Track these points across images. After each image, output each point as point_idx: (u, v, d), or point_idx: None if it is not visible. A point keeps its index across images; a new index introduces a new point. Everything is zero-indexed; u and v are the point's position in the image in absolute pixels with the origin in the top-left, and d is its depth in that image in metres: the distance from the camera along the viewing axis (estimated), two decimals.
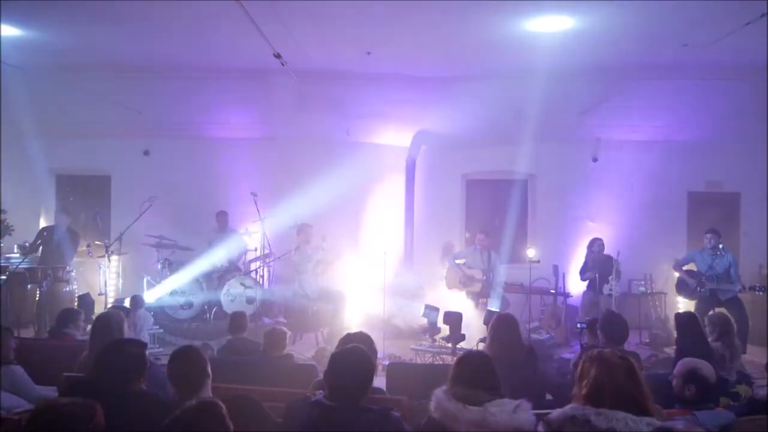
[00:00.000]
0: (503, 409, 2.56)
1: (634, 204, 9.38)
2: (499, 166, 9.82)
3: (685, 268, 7.39)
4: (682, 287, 7.44)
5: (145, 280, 8.82)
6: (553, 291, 8.26)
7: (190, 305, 8.12)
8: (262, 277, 8.80)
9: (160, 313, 8.15)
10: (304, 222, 8.19)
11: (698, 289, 7.13)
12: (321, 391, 2.89)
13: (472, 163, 9.84)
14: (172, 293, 8.14)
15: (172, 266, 8.56)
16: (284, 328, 4.93)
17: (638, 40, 7.36)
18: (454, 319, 5.96)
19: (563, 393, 3.17)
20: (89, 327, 6.68)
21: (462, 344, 5.92)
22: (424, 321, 6.53)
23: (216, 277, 8.29)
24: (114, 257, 8.31)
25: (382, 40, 7.53)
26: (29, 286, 7.56)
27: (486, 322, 5.34)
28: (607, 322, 4.54)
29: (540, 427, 2.51)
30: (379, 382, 3.77)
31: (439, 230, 9.72)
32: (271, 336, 4.76)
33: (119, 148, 9.81)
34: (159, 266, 8.46)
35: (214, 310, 8.13)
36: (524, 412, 2.57)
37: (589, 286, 8.02)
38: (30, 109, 8.93)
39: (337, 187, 9.26)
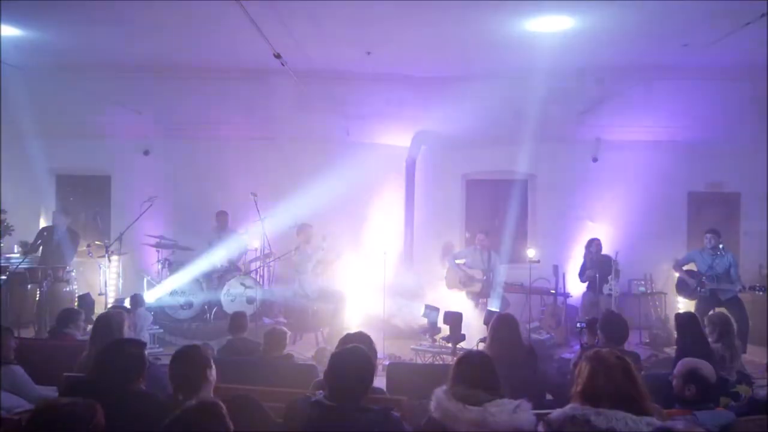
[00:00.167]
0: (503, 409, 2.56)
1: (634, 204, 9.37)
2: (499, 166, 9.81)
3: (685, 268, 7.38)
4: (682, 287, 7.44)
5: (145, 280, 8.83)
6: (553, 291, 8.25)
7: (190, 305, 8.12)
8: (262, 277, 8.80)
9: (160, 313, 8.15)
10: (304, 222, 8.18)
11: (698, 289, 7.13)
12: (321, 391, 2.89)
13: (472, 163, 9.84)
14: (172, 293, 8.14)
15: (172, 266, 8.56)
16: (284, 328, 4.92)
17: (638, 40, 7.37)
18: (454, 319, 5.96)
19: (563, 393, 3.17)
20: (89, 327, 6.71)
21: (462, 344, 5.92)
22: (424, 321, 6.53)
23: (216, 277, 8.28)
24: (114, 257, 8.30)
25: (382, 40, 7.53)
26: (29, 286, 7.55)
27: (486, 322, 5.34)
28: (607, 322, 4.54)
29: (540, 427, 2.51)
30: (379, 382, 3.77)
31: (439, 230, 9.72)
32: (271, 336, 4.76)
33: (119, 148, 9.80)
34: (159, 266, 8.45)
35: (214, 310, 8.13)
36: (524, 412, 2.58)
37: (588, 287, 8.02)
38: (30, 109, 8.94)
39: (337, 187, 9.26)
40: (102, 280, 8.16)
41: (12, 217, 8.89)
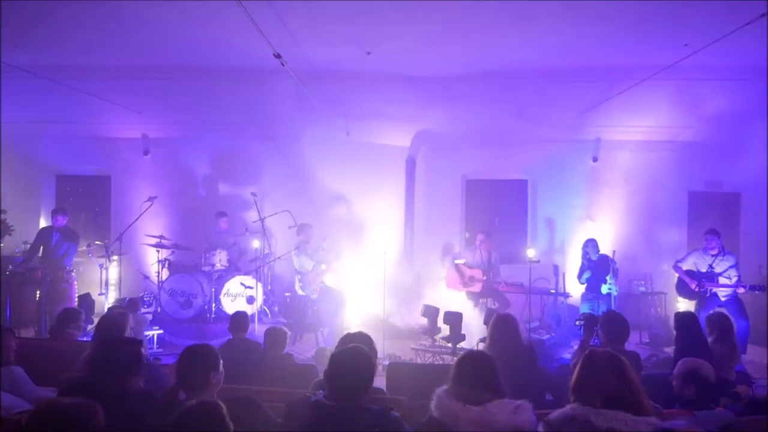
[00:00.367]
0: (504, 409, 2.56)
1: (634, 204, 9.38)
2: (499, 166, 9.82)
3: (685, 268, 7.39)
4: (682, 287, 7.44)
5: (145, 280, 8.84)
6: (553, 291, 8.25)
7: (190, 305, 8.12)
8: (263, 277, 8.80)
9: (160, 313, 8.16)
10: (304, 222, 8.19)
11: (698, 289, 7.13)
12: (321, 391, 2.89)
13: (472, 163, 9.84)
14: (172, 293, 8.14)
15: (172, 266, 8.56)
16: (284, 328, 4.92)
17: (638, 40, 7.36)
18: (454, 319, 5.96)
19: (563, 393, 3.17)
20: (89, 327, 6.71)
21: (462, 344, 5.92)
22: (424, 321, 6.53)
23: (216, 277, 8.29)
24: (114, 257, 8.31)
25: (382, 40, 7.53)
26: (29, 286, 7.55)
27: (486, 322, 5.33)
28: (607, 322, 4.53)
29: (540, 427, 2.51)
30: (379, 382, 3.77)
31: (439, 230, 9.72)
32: (271, 336, 4.76)
33: (119, 148, 9.81)
34: (159, 266, 8.46)
35: (214, 310, 8.13)
36: (525, 412, 2.58)
37: (588, 287, 8.01)
38: (30, 109, 8.95)
39: (337, 187, 9.29)
40: (102, 280, 8.16)
41: (12, 217, 8.90)
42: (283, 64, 6.56)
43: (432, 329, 6.38)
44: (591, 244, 8.04)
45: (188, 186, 9.77)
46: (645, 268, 9.17)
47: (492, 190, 10.13)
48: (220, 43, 7.73)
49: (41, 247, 7.84)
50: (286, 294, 8.84)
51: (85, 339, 5.58)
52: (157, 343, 7.33)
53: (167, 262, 8.56)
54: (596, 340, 4.58)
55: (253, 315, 7.62)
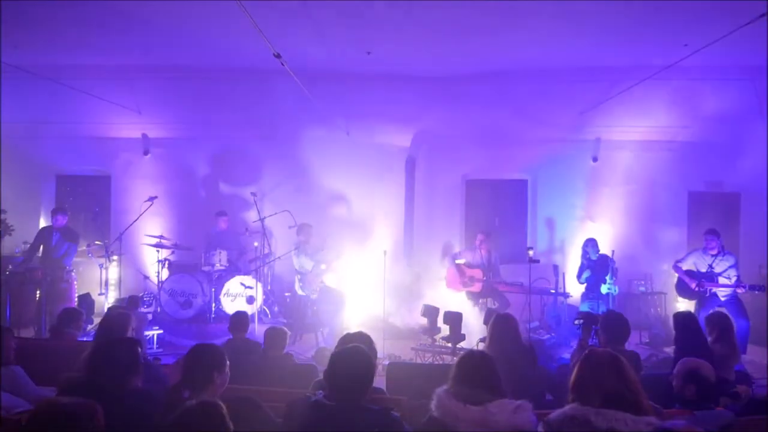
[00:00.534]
0: (504, 408, 2.56)
1: (634, 204, 9.38)
2: (499, 166, 9.82)
3: (684, 268, 7.39)
4: (681, 287, 7.44)
5: (145, 280, 8.84)
6: (553, 291, 8.25)
7: (190, 305, 8.12)
8: (262, 277, 8.80)
9: (160, 313, 8.16)
10: (304, 221, 8.19)
11: (698, 289, 7.13)
12: (321, 391, 2.89)
13: (472, 163, 9.84)
14: (172, 293, 8.14)
15: (172, 266, 8.56)
16: (284, 328, 4.92)
17: (638, 40, 7.36)
18: (454, 319, 5.96)
19: (563, 393, 3.17)
20: (89, 327, 6.72)
21: (462, 344, 5.92)
22: (424, 321, 6.53)
23: (216, 277, 8.29)
24: (114, 257, 8.30)
25: (382, 40, 7.53)
26: (29, 286, 7.55)
27: (486, 322, 5.33)
28: (608, 322, 4.53)
29: (540, 427, 2.52)
30: (379, 382, 3.77)
31: (439, 230, 9.72)
32: (271, 336, 4.76)
33: (119, 148, 9.81)
34: (159, 266, 8.46)
35: (214, 310, 8.13)
36: (525, 411, 2.58)
37: (587, 287, 8.02)
38: (30, 109, 8.95)
39: (337, 187, 9.29)
40: (102, 280, 8.16)
41: (12, 217, 8.90)
42: (283, 64, 6.55)
43: (432, 329, 6.38)
44: (591, 244, 8.04)
45: (188, 186, 9.77)
46: (645, 268, 9.17)
47: (492, 190, 10.13)
48: (220, 43, 7.73)
49: (41, 247, 7.83)
50: (286, 294, 8.84)
51: (85, 339, 5.59)
52: (157, 343, 7.34)
53: (167, 262, 8.56)
54: (594, 340, 4.57)
55: (253, 315, 7.62)
